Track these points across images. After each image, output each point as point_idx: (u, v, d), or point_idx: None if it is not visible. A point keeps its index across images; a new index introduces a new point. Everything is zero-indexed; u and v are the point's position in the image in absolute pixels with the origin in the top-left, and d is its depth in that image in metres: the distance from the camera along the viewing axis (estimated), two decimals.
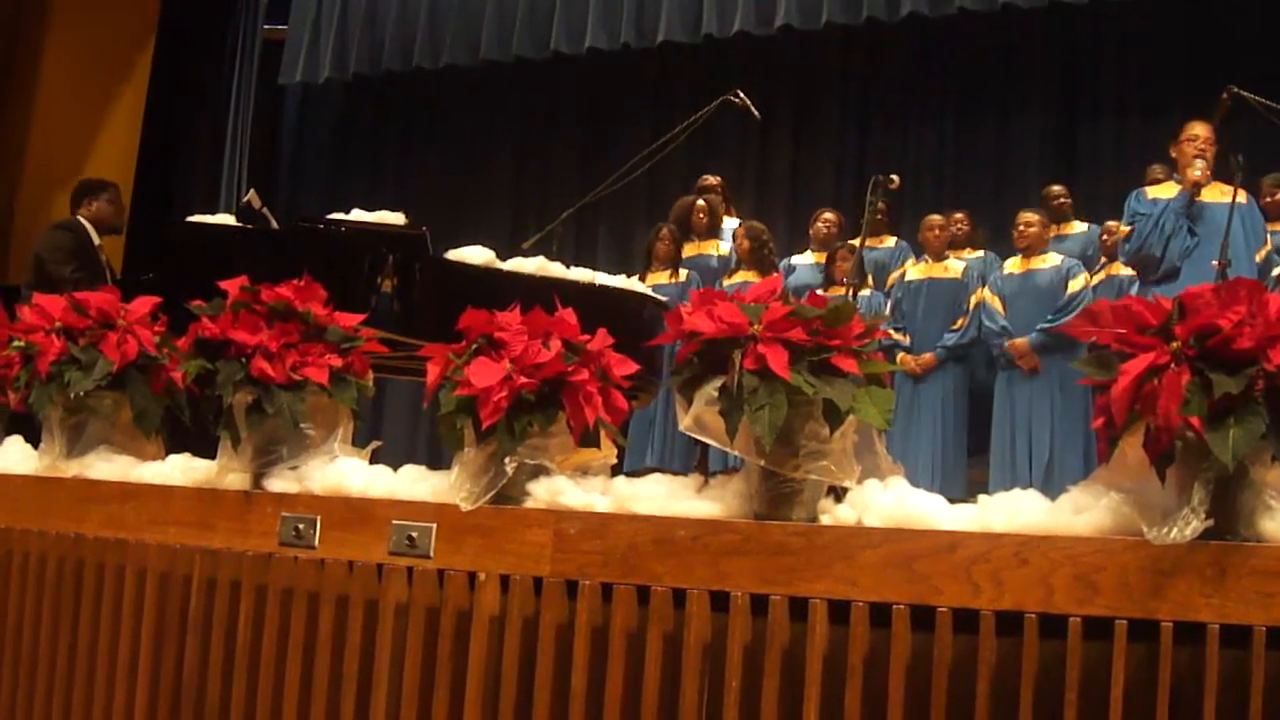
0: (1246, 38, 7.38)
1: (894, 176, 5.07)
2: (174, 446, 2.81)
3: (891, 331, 6.76)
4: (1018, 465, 6.48)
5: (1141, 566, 1.69)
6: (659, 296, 4.78)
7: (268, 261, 3.81)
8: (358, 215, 4.12)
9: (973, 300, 6.82)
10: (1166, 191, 5.89)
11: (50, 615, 2.61)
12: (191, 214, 4.82)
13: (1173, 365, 1.70)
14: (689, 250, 7.26)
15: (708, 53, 8.37)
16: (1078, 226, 7.25)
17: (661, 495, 2.08)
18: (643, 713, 1.95)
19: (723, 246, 7.36)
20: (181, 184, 9.46)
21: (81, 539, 2.60)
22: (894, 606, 1.81)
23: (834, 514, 1.95)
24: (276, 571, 2.33)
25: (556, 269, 4.20)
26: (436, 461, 2.58)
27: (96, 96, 9.10)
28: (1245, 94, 5.38)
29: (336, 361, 2.46)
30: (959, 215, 7.31)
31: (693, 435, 1.99)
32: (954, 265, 6.99)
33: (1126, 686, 1.67)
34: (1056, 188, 7.32)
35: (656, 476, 2.16)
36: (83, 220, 5.94)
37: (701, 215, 7.39)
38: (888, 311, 6.88)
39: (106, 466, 2.72)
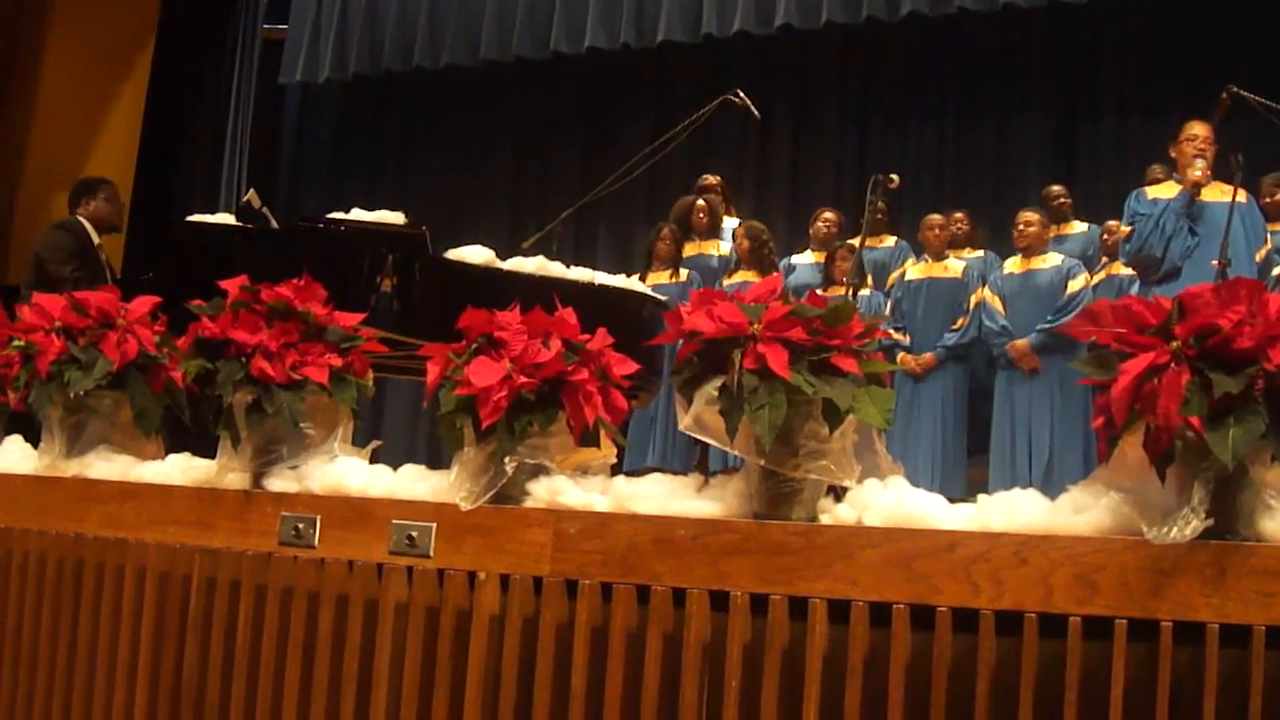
0: (1246, 38, 7.38)
1: (894, 176, 5.06)
2: (174, 446, 2.81)
3: (891, 331, 6.75)
4: (1017, 465, 6.48)
5: (1141, 566, 1.69)
6: (659, 296, 4.78)
7: (267, 261, 3.82)
8: (357, 215, 4.12)
9: (973, 300, 6.81)
10: (1166, 191, 5.88)
11: (50, 615, 2.61)
12: (191, 213, 4.82)
13: (1173, 365, 1.69)
14: (689, 250, 7.26)
15: (708, 52, 8.37)
16: (1078, 226, 7.25)
17: (661, 495, 2.08)
18: (642, 712, 1.95)
19: (723, 246, 7.35)
20: (181, 183, 9.46)
21: (81, 539, 2.60)
22: (894, 606, 1.81)
23: (834, 513, 1.95)
24: (276, 571, 2.33)
25: (556, 268, 4.20)
26: (436, 461, 2.58)
27: (96, 96, 9.10)
28: (1245, 94, 5.38)
29: (336, 361, 2.46)
30: (959, 215, 7.31)
31: (693, 435, 1.99)
32: (954, 265, 6.99)
33: (1126, 686, 1.67)
34: (1056, 188, 7.32)
35: (656, 476, 2.16)
36: (82, 220, 5.93)
37: (701, 215, 7.38)
38: (888, 311, 6.88)
39: (106, 466, 2.72)
